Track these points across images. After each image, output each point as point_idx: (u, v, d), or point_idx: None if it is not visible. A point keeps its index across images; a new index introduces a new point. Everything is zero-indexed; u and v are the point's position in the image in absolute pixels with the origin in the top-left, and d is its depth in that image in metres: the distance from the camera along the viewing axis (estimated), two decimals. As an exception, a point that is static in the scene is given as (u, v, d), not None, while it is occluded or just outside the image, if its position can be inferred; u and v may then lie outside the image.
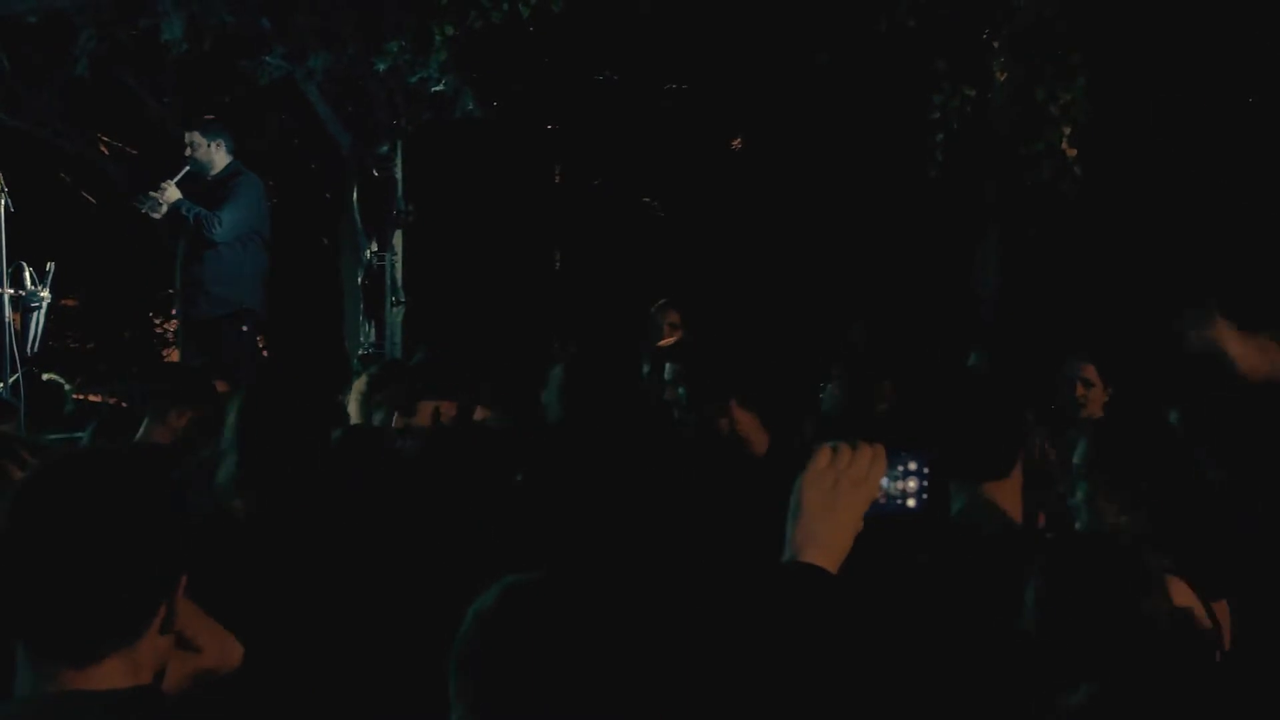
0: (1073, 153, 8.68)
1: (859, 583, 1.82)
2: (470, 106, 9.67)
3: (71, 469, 1.69)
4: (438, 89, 9.48)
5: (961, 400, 2.95)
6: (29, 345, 7.43)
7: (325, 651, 2.59)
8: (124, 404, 7.70)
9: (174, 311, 13.05)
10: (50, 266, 7.56)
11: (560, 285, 13.95)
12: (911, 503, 1.87)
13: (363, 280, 10.35)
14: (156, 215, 7.16)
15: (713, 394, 3.69)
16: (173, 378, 5.48)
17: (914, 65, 9.02)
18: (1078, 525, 2.85)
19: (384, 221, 10.43)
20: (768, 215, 12.33)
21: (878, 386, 4.92)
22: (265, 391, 3.15)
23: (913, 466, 1.86)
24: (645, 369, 5.03)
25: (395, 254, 10.45)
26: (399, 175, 10.43)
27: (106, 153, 11.85)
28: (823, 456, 1.82)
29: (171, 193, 7.09)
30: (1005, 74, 8.96)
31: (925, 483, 1.87)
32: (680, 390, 3.82)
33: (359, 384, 4.49)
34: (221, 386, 4.79)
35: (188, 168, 7.23)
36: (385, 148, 10.22)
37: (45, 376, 7.69)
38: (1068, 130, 8.65)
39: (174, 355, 12.97)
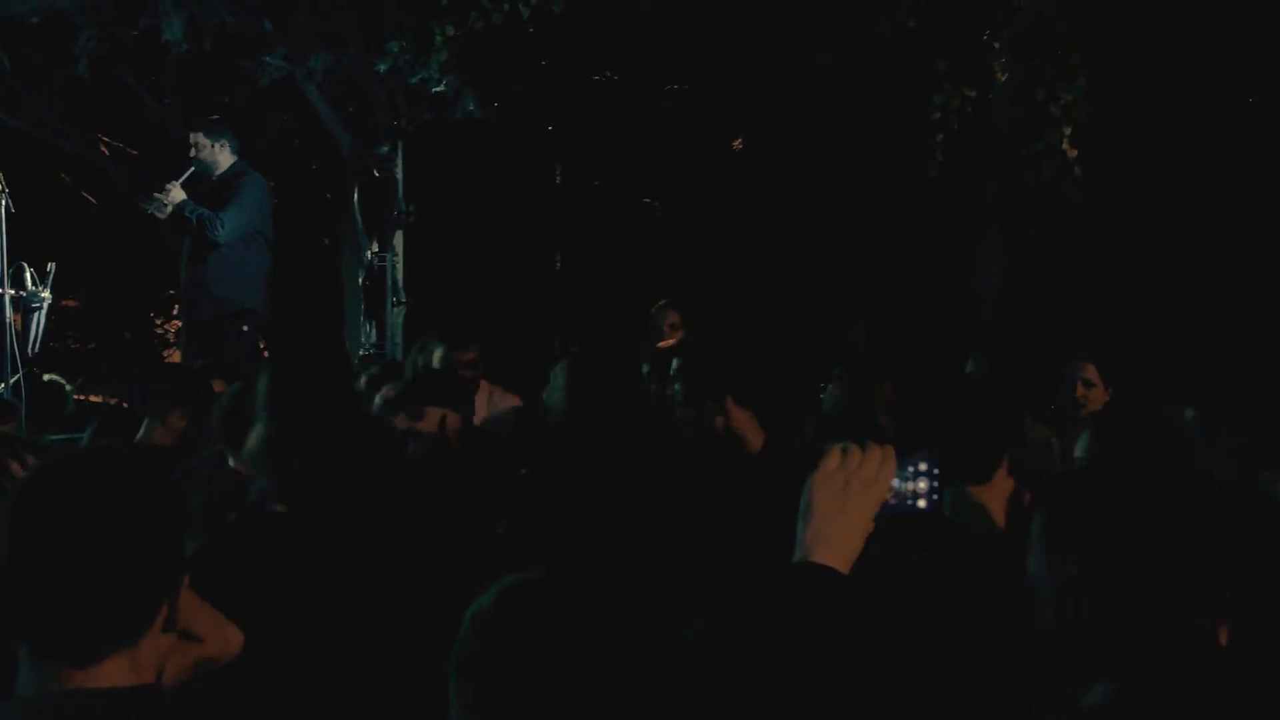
0: (1073, 153, 8.67)
1: (870, 583, 1.82)
2: (471, 107, 9.67)
3: (72, 469, 1.69)
4: (438, 89, 9.48)
5: (948, 402, 2.97)
6: (30, 346, 7.43)
7: (326, 651, 2.59)
8: (125, 404, 7.69)
9: (175, 312, 13.10)
10: (51, 267, 7.56)
11: (561, 286, 13.95)
12: (922, 503, 1.87)
13: (363, 281, 10.35)
14: (162, 216, 7.17)
15: (709, 391, 3.71)
16: (173, 378, 5.49)
17: (915, 66, 9.02)
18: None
19: (385, 222, 10.43)
20: (768, 216, 12.33)
21: (878, 387, 4.92)
22: (296, 361, 3.08)
23: (923, 467, 1.86)
24: (645, 369, 5.04)
25: (396, 254, 10.46)
26: (400, 176, 10.43)
27: (107, 153, 11.85)
28: (833, 457, 1.82)
29: (176, 194, 7.10)
30: (1006, 74, 8.96)
31: (936, 483, 1.87)
32: (677, 387, 3.84)
33: (359, 384, 4.49)
34: (219, 387, 4.79)
35: (192, 169, 7.25)
36: (386, 148, 10.22)
37: (46, 377, 7.70)
38: (1068, 131, 8.65)
39: (175, 356, 12.99)
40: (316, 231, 12.76)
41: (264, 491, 2.90)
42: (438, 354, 5.52)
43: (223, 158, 7.32)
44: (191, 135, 7.41)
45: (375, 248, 10.40)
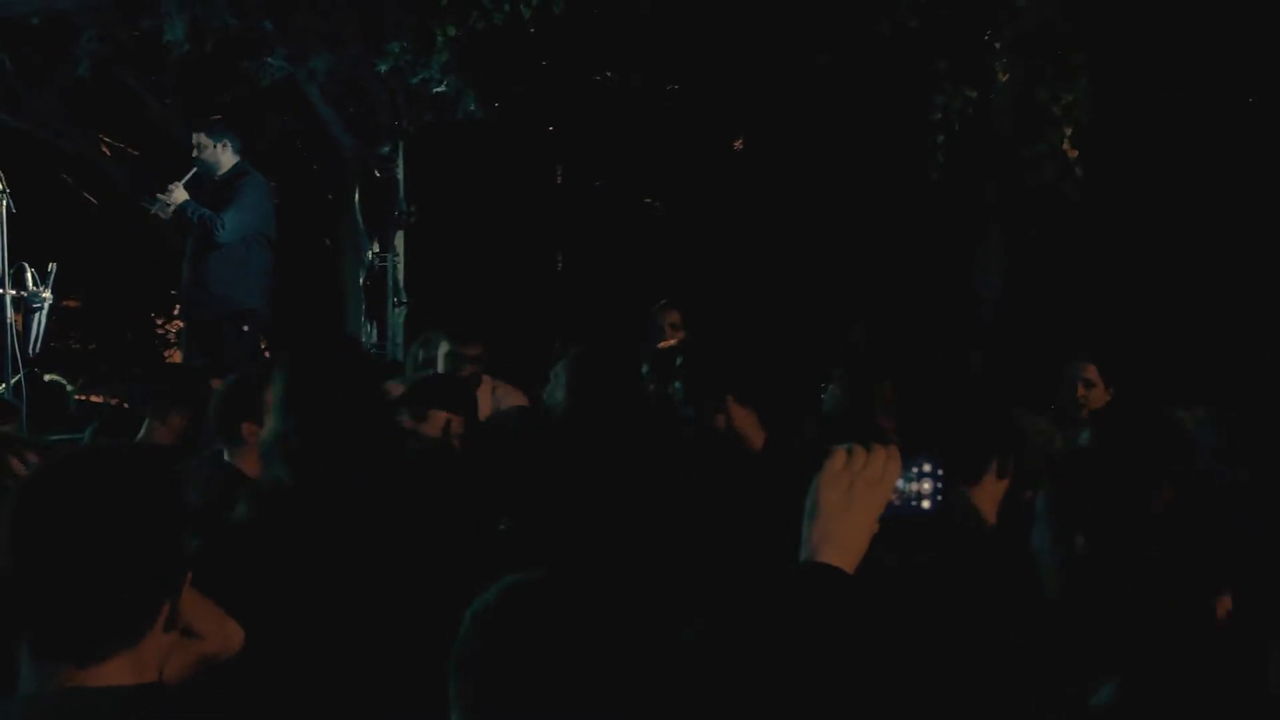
0: (1074, 154, 8.67)
1: (876, 583, 1.82)
2: (472, 107, 9.68)
3: (74, 468, 1.69)
4: (439, 90, 9.49)
5: (942, 401, 2.99)
6: (31, 346, 7.44)
7: (328, 650, 2.59)
8: (125, 405, 7.70)
9: (176, 312, 13.10)
10: (52, 267, 7.57)
11: (562, 286, 13.95)
12: (926, 504, 1.88)
13: (364, 281, 10.36)
14: (165, 217, 7.18)
15: (710, 390, 3.71)
16: (173, 378, 5.50)
17: (915, 66, 9.02)
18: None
19: (386, 222, 10.44)
20: (769, 216, 12.33)
21: (878, 387, 4.92)
22: (318, 358, 2.97)
23: (927, 468, 1.88)
24: (645, 369, 5.04)
25: (397, 255, 10.47)
26: (400, 176, 10.44)
27: (108, 153, 11.85)
28: (839, 458, 1.84)
29: (178, 195, 7.11)
30: (1007, 75, 8.95)
31: (940, 485, 1.88)
32: (677, 385, 3.84)
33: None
34: (218, 386, 4.79)
35: (195, 169, 7.26)
36: (387, 148, 10.23)
37: (47, 377, 7.71)
38: (1069, 131, 8.65)
39: (176, 356, 13.00)
40: (317, 232, 12.75)
41: (267, 488, 2.89)
42: (443, 348, 5.53)
43: (225, 158, 7.33)
44: (194, 136, 7.42)
45: (376, 248, 10.40)
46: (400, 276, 10.44)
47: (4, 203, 7.05)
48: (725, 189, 12.81)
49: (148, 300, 14.60)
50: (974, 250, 9.55)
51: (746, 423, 3.69)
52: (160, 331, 15.11)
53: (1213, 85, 9.96)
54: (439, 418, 4.05)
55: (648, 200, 14.03)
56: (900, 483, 1.86)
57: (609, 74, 13.03)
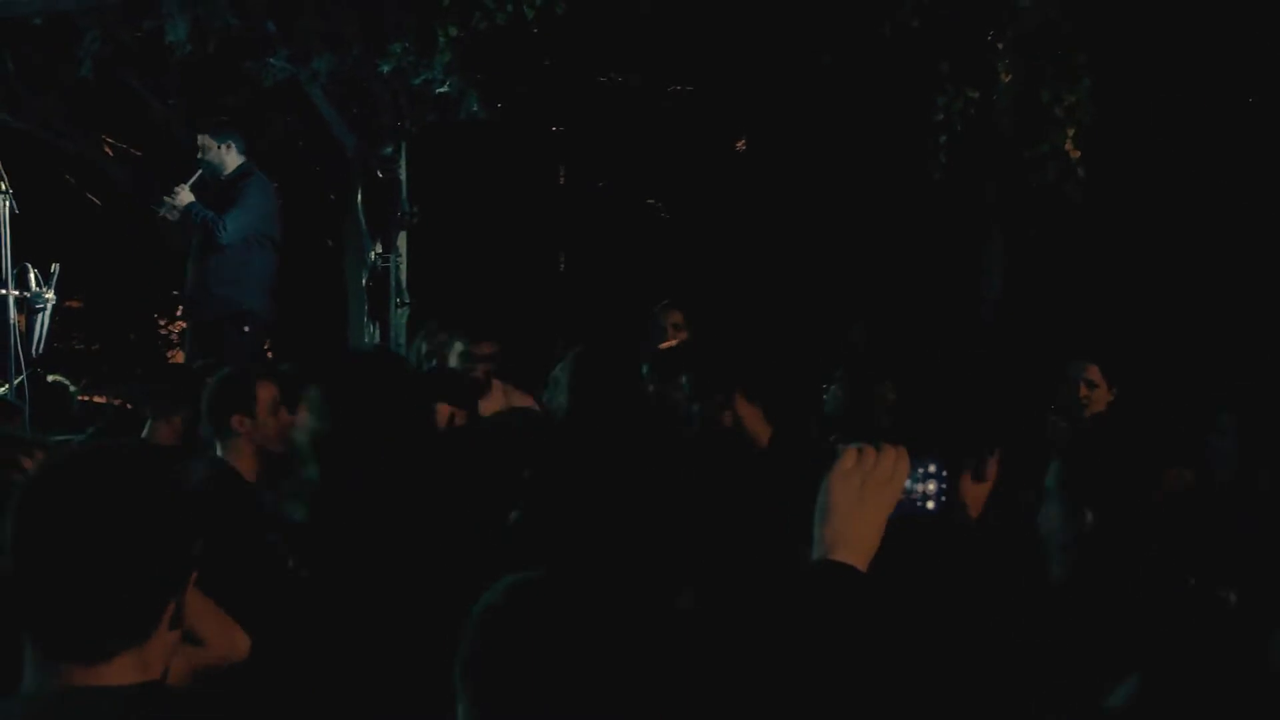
0: (1077, 154, 8.67)
1: (888, 581, 1.84)
2: (475, 108, 9.67)
3: (79, 466, 1.69)
4: (442, 90, 9.48)
5: (942, 402, 2.99)
6: (34, 347, 7.44)
7: (330, 650, 2.59)
8: (128, 405, 7.71)
9: (179, 313, 13.10)
10: (55, 268, 7.57)
11: (565, 286, 13.96)
12: (931, 504, 1.91)
13: (367, 282, 10.35)
14: (172, 219, 7.20)
15: (717, 386, 3.72)
16: (175, 379, 5.50)
17: (918, 67, 9.02)
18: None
19: (388, 223, 10.42)
20: (771, 217, 12.34)
21: (879, 387, 4.92)
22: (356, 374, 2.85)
23: (933, 469, 1.90)
24: (645, 370, 5.04)
25: (400, 255, 10.45)
26: (403, 177, 10.43)
27: (111, 154, 11.85)
28: (849, 457, 1.85)
29: (184, 196, 7.12)
30: (1009, 75, 8.95)
31: (944, 485, 1.91)
32: (684, 380, 3.85)
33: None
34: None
35: (200, 171, 7.27)
36: (390, 149, 10.22)
37: (50, 378, 7.71)
38: (1072, 132, 8.65)
39: (179, 357, 12.99)
40: (320, 232, 12.76)
41: (280, 489, 2.88)
42: (457, 348, 5.54)
43: (229, 159, 7.34)
44: (199, 138, 7.44)
45: (379, 248, 10.39)
46: (403, 277, 10.43)
47: (7, 204, 7.05)
48: (727, 190, 12.82)
49: (150, 301, 14.62)
50: (976, 251, 9.55)
51: (753, 419, 3.69)
52: (163, 332, 15.12)
53: (1215, 86, 9.96)
54: (443, 410, 4.06)
55: (650, 201, 14.04)
56: (906, 483, 1.88)
57: (612, 75, 13.04)
